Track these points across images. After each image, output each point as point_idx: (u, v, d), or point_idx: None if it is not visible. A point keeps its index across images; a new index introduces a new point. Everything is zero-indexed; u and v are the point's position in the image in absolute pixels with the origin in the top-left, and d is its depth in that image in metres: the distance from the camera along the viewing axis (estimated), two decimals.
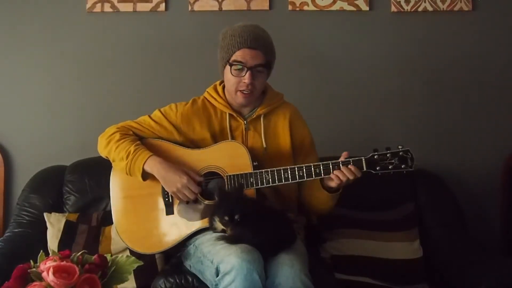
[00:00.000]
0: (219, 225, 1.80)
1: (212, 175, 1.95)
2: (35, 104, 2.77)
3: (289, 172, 1.88)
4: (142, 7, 2.75)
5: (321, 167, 1.88)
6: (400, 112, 2.77)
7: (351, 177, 1.85)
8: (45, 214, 2.31)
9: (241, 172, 1.90)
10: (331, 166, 1.87)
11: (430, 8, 2.75)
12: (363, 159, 1.88)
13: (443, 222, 2.40)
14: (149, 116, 2.06)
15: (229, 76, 1.95)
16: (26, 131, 2.76)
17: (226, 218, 1.75)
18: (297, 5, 2.75)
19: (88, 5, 2.75)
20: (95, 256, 1.48)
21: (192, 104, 2.07)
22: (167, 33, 2.77)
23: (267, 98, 2.06)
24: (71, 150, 2.68)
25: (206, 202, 1.92)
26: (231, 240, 1.74)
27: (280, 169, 1.89)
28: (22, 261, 1.47)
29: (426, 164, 2.47)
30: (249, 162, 1.91)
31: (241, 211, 1.75)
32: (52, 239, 2.23)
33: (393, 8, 2.75)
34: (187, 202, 1.92)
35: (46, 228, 2.27)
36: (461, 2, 2.74)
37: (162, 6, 2.75)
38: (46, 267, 1.39)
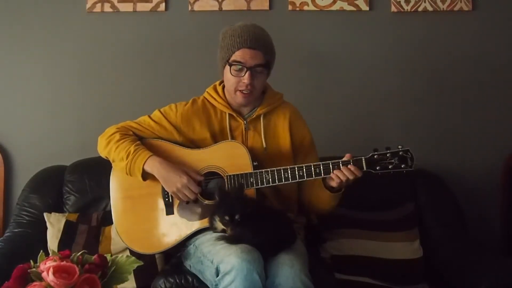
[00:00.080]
0: (219, 225, 1.80)
1: (212, 175, 1.95)
2: (35, 104, 2.77)
3: (289, 172, 1.88)
4: (142, 7, 2.75)
5: (321, 167, 1.88)
6: (400, 112, 2.77)
7: (351, 177, 1.85)
8: (45, 214, 2.31)
9: (241, 172, 1.90)
10: (331, 166, 1.87)
11: (430, 8, 2.75)
12: (363, 159, 1.88)
13: (443, 222, 2.40)
14: (149, 116, 2.06)
15: (228, 76, 1.95)
16: (26, 131, 2.76)
17: (227, 218, 1.75)
18: (297, 5, 2.75)
19: (88, 5, 2.75)
20: (95, 256, 1.48)
21: (192, 104, 2.07)
22: (167, 33, 2.77)
23: (266, 98, 2.06)
24: (71, 150, 2.68)
25: (206, 202, 1.92)
26: (231, 240, 1.74)
27: (280, 169, 1.89)
28: (22, 261, 1.47)
29: (426, 164, 2.47)
30: (249, 162, 1.91)
31: (242, 211, 1.75)
32: (52, 239, 2.23)
33: (393, 8, 2.75)
34: (187, 202, 1.92)
35: (46, 228, 2.27)
36: (461, 2, 2.74)
37: (162, 6, 2.75)
38: (46, 267, 1.38)
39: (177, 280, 1.87)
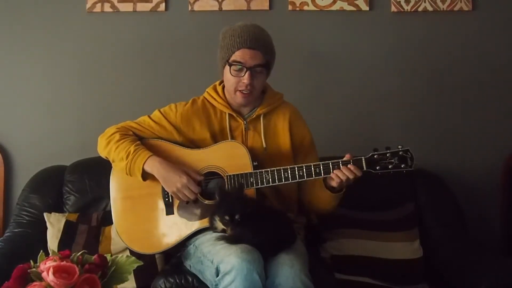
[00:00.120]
0: (219, 225, 1.80)
1: (212, 175, 1.95)
2: (35, 104, 2.77)
3: (289, 171, 1.88)
4: (142, 7, 2.75)
5: (321, 167, 1.88)
6: (400, 112, 2.77)
7: (351, 176, 1.85)
8: (45, 214, 2.31)
9: (241, 172, 1.90)
10: (331, 166, 1.87)
11: (430, 8, 2.75)
12: (363, 159, 1.88)
13: (443, 222, 2.40)
14: (149, 116, 2.06)
15: (228, 76, 1.95)
16: (26, 131, 2.76)
17: (227, 218, 1.75)
18: (297, 5, 2.75)
19: (88, 5, 2.75)
20: (95, 256, 1.48)
21: (192, 104, 2.07)
22: (167, 33, 2.77)
23: (266, 98, 2.06)
24: (71, 150, 2.68)
25: (206, 202, 1.92)
26: (231, 240, 1.74)
27: (280, 169, 1.89)
28: (22, 261, 1.47)
29: (426, 164, 2.47)
30: (249, 162, 1.91)
31: (242, 211, 1.75)
32: (52, 239, 2.23)
33: (393, 8, 2.75)
34: (187, 202, 1.92)
35: (46, 228, 2.27)
36: (461, 2, 2.74)
37: (162, 6, 2.75)
38: (46, 267, 1.38)
39: (177, 280, 1.87)
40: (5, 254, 2.17)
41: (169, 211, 1.94)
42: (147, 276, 2.03)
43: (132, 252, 1.93)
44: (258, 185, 1.89)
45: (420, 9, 2.74)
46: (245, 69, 1.91)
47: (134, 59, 2.77)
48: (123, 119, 2.07)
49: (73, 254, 1.47)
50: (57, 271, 1.37)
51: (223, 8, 2.75)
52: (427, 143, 2.73)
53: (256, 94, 2.00)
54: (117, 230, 1.97)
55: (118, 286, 1.52)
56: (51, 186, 2.43)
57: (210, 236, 1.84)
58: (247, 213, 1.75)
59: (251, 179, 1.89)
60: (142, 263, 1.53)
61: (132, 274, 1.88)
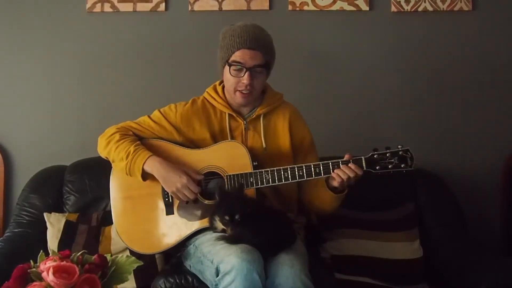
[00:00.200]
0: (219, 225, 1.80)
1: (212, 175, 1.95)
2: (35, 104, 2.77)
3: (289, 171, 1.88)
4: (142, 7, 2.75)
5: (321, 167, 1.88)
6: (400, 112, 2.77)
7: (351, 175, 1.84)
8: (45, 214, 2.31)
9: (241, 172, 1.90)
10: (330, 166, 1.87)
11: (430, 8, 2.75)
12: (363, 158, 1.88)
13: (443, 222, 2.40)
14: (149, 117, 2.06)
15: (228, 76, 1.95)
16: (26, 131, 2.76)
17: (227, 218, 1.75)
18: (297, 5, 2.75)
19: (88, 5, 2.75)
20: (95, 256, 1.48)
21: (192, 104, 2.07)
22: (167, 33, 2.77)
23: (266, 98, 2.06)
24: (71, 150, 2.68)
25: (206, 202, 1.92)
26: (231, 240, 1.74)
27: (280, 169, 1.89)
28: (22, 261, 1.47)
29: (426, 164, 2.47)
30: (249, 162, 1.91)
31: (242, 211, 1.75)
32: (52, 239, 2.23)
33: (393, 8, 2.75)
34: (187, 202, 1.92)
35: (46, 228, 2.27)
36: (461, 2, 2.74)
37: (162, 6, 2.75)
38: (46, 267, 1.38)
39: (177, 280, 1.87)
40: (5, 254, 2.17)
41: (169, 211, 1.94)
42: (147, 276, 2.03)
43: (132, 252, 1.93)
44: (258, 185, 1.89)
45: (420, 9, 2.74)
46: (244, 69, 1.91)
47: (134, 59, 2.77)
48: (123, 119, 2.08)
49: (73, 254, 1.47)
50: (57, 271, 1.37)
51: (223, 8, 2.75)
52: (427, 143, 2.73)
53: (256, 94, 2.00)
54: (117, 230, 1.97)
55: (118, 286, 1.52)
56: (51, 186, 2.43)
57: (210, 236, 1.84)
58: (247, 213, 1.75)
59: (251, 179, 1.89)
60: (142, 263, 1.53)
61: (132, 274, 1.87)
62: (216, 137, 2.01)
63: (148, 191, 1.96)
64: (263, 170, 1.90)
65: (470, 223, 2.48)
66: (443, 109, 2.78)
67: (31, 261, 1.46)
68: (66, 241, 2.21)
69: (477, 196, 2.72)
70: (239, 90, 1.95)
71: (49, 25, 2.76)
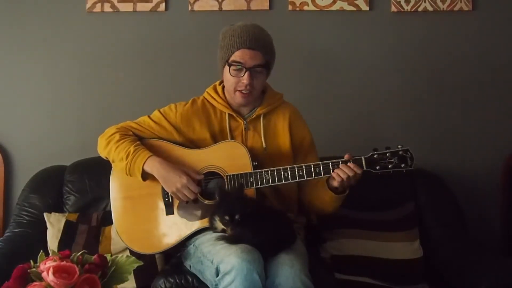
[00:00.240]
0: (219, 225, 1.79)
1: (212, 175, 1.95)
2: (35, 104, 2.77)
3: (289, 171, 1.88)
4: (142, 7, 2.75)
5: (321, 167, 1.88)
6: (400, 112, 2.77)
7: (350, 174, 1.84)
8: (45, 214, 2.31)
9: (241, 172, 1.90)
10: (330, 166, 1.87)
11: (430, 8, 2.75)
12: (363, 158, 1.88)
13: (443, 222, 2.40)
14: (149, 117, 2.06)
15: (228, 76, 1.95)
16: (26, 131, 2.76)
17: (227, 218, 1.75)
18: (297, 5, 2.75)
19: (88, 5, 2.75)
20: (95, 256, 1.48)
21: (192, 104, 2.07)
22: (167, 33, 2.77)
23: (266, 98, 2.05)
24: (71, 150, 2.68)
25: (206, 202, 1.92)
26: (231, 240, 1.74)
27: (280, 169, 1.89)
28: (22, 261, 1.47)
29: (426, 164, 2.47)
30: (249, 162, 1.91)
31: (242, 211, 1.75)
32: (52, 239, 2.23)
33: (393, 8, 2.75)
34: (187, 202, 1.92)
35: (46, 228, 2.27)
36: (461, 2, 2.74)
37: (162, 6, 2.75)
38: (46, 267, 1.38)
39: (177, 280, 1.87)
40: (5, 254, 2.17)
41: (169, 211, 1.94)
42: (147, 276, 2.03)
43: (132, 252, 1.93)
44: (258, 185, 1.89)
45: (420, 9, 2.74)
46: (244, 69, 1.91)
47: (134, 59, 2.77)
48: (123, 119, 2.08)
49: (73, 254, 1.47)
50: (57, 271, 1.37)
51: (223, 8, 2.75)
52: (427, 143, 2.73)
53: (256, 94, 2.00)
54: (117, 230, 1.97)
55: (118, 286, 1.52)
56: (51, 186, 2.43)
57: (210, 236, 1.84)
58: (247, 213, 1.75)
59: (251, 179, 1.89)
60: (142, 263, 1.53)
61: (132, 274, 1.87)
62: (216, 137, 2.01)
63: (148, 191, 1.96)
64: (263, 170, 1.90)
65: (470, 223, 2.48)
66: (443, 109, 2.78)
67: (31, 261, 1.46)
68: (66, 241, 2.21)
69: (477, 196, 2.72)
70: (239, 90, 1.95)
71: (49, 25, 2.76)
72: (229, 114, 2.02)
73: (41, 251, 1.48)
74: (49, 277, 1.36)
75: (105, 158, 2.02)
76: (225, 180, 1.91)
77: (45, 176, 2.48)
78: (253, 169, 1.91)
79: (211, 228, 1.85)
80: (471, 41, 2.77)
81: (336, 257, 2.24)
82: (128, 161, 1.90)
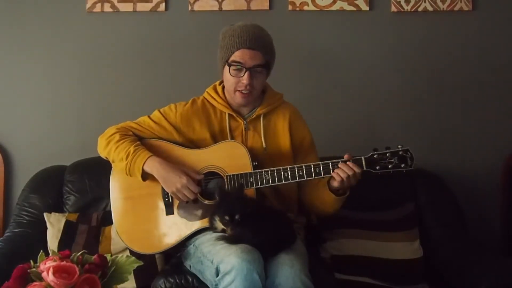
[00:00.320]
0: (219, 225, 1.80)
1: (212, 175, 1.95)
2: (35, 104, 2.77)
3: (289, 171, 1.88)
4: (142, 7, 2.75)
5: (321, 167, 1.88)
6: (400, 112, 2.77)
7: (350, 173, 1.84)
8: (45, 214, 2.31)
9: (241, 172, 1.90)
10: (330, 166, 1.87)
11: (430, 8, 2.75)
12: (363, 158, 1.88)
13: (443, 222, 2.40)
14: (149, 117, 2.06)
15: (228, 76, 1.95)
16: (26, 131, 2.76)
17: (227, 218, 1.75)
18: (297, 5, 2.75)
19: (88, 5, 2.75)
20: (95, 256, 1.48)
21: (192, 104, 2.07)
22: (167, 33, 2.77)
23: (266, 98, 2.05)
24: (71, 150, 2.68)
25: (206, 202, 1.92)
26: (231, 240, 1.74)
27: (280, 169, 1.89)
28: (22, 261, 1.47)
29: (426, 164, 2.47)
30: (249, 162, 1.91)
31: (242, 211, 1.75)
32: (52, 239, 2.23)
33: (393, 8, 2.75)
34: (187, 202, 1.92)
35: (46, 228, 2.27)
36: (461, 2, 2.74)
37: (162, 6, 2.75)
38: (46, 267, 1.38)
39: (177, 280, 1.87)
40: (5, 254, 2.17)
41: (169, 211, 1.94)
42: (147, 276, 2.03)
43: (132, 252, 1.93)
44: (258, 185, 1.89)
45: (420, 9, 2.74)
46: (244, 69, 1.91)
47: (134, 59, 2.77)
48: (123, 119, 2.08)
49: (73, 254, 1.47)
50: (57, 271, 1.37)
51: (223, 8, 2.75)
52: (427, 143, 2.73)
53: (256, 94, 2.00)
54: (117, 230, 1.97)
55: (118, 286, 1.52)
56: (51, 186, 2.43)
57: (210, 236, 1.84)
58: (247, 213, 1.75)
59: (251, 179, 1.89)
60: (142, 263, 1.53)
61: (132, 274, 1.87)
62: (216, 137, 2.01)
63: (148, 191, 1.96)
64: (263, 170, 1.90)
65: (470, 223, 2.48)
66: (443, 109, 2.78)
67: (31, 261, 1.46)
68: (66, 241, 2.21)
69: (477, 196, 2.72)
70: (239, 90, 1.95)
71: (49, 25, 2.76)
72: (229, 114, 2.02)
73: (41, 251, 1.48)
74: (49, 277, 1.36)
75: (105, 158, 2.02)
76: (225, 180, 1.91)
77: (45, 176, 2.48)
78: (253, 169, 1.91)
79: (211, 228, 1.85)
80: (471, 41, 2.77)
81: (336, 257, 2.24)
82: (128, 161, 1.90)
